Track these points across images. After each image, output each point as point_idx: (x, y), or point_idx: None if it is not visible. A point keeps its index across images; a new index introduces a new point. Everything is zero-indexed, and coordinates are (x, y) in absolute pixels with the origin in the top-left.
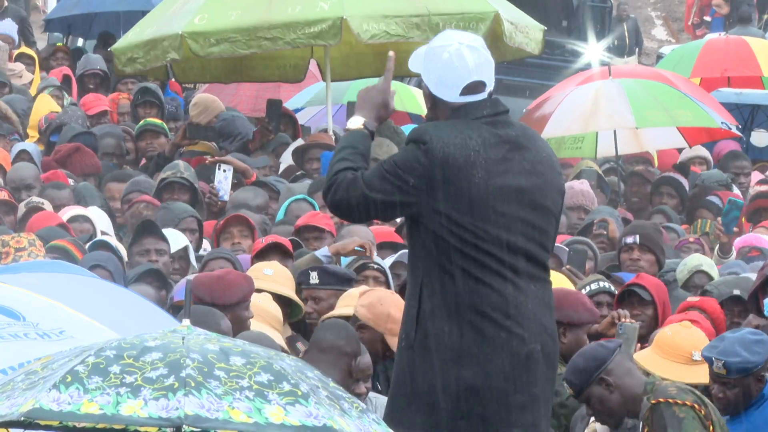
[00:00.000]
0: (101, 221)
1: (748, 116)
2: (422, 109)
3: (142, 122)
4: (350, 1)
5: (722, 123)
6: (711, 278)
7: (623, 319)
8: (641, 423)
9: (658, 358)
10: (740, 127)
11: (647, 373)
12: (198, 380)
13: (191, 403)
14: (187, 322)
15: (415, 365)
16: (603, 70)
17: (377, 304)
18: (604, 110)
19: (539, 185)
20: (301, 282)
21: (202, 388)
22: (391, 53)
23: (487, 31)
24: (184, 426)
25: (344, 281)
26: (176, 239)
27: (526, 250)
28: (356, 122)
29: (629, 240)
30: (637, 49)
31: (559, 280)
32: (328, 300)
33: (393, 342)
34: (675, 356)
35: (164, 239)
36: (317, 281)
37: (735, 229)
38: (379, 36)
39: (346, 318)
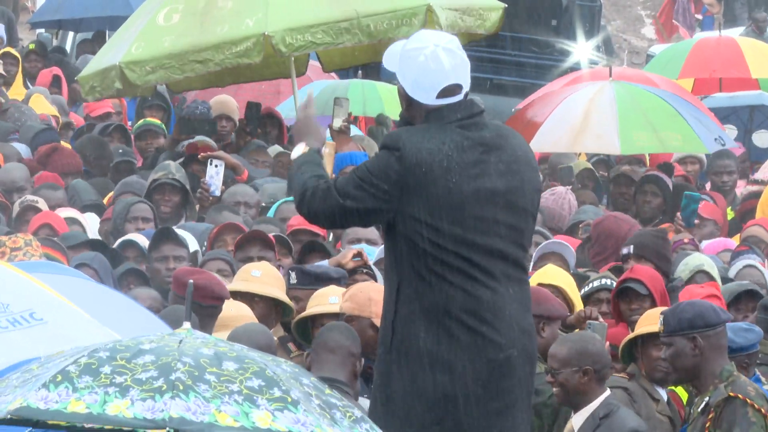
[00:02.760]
0: (92, 226)
1: (747, 118)
2: None
3: (141, 122)
4: (274, 15)
5: (716, 140)
6: (712, 278)
7: (592, 317)
8: (707, 405)
9: (635, 330)
10: (743, 129)
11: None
12: (187, 383)
13: (178, 405)
14: (187, 325)
15: (391, 371)
16: (603, 71)
17: (357, 292)
18: (593, 129)
19: (515, 185)
20: None
21: (190, 392)
22: (309, 91)
23: (422, 24)
24: (168, 428)
25: (322, 281)
26: (188, 242)
27: (504, 252)
28: (299, 149)
29: (624, 251)
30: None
31: (554, 274)
32: (306, 300)
33: None
34: (651, 321)
35: (183, 245)
36: (295, 281)
37: (696, 221)
38: (304, 47)
39: (316, 316)
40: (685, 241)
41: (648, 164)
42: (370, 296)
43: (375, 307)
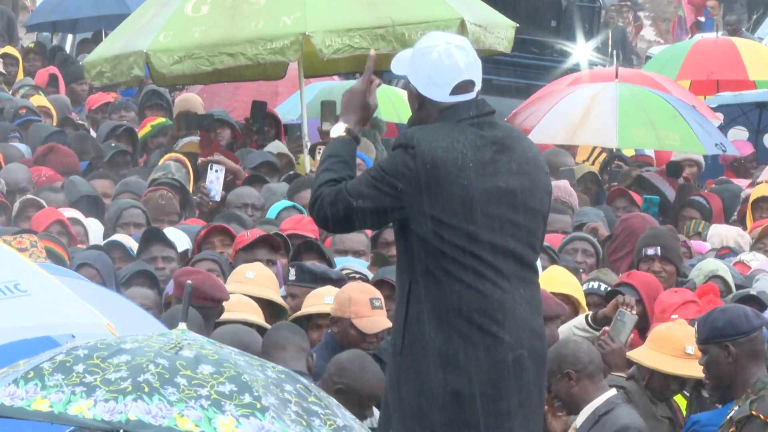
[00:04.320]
0: (95, 231)
1: (757, 119)
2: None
3: (156, 122)
4: (313, 16)
5: (717, 145)
6: (727, 283)
7: (625, 308)
8: (732, 421)
9: (651, 351)
10: (753, 130)
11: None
12: (154, 386)
13: (138, 408)
14: (182, 326)
15: (401, 371)
16: (610, 72)
17: (341, 293)
18: (592, 123)
19: (527, 186)
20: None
21: (155, 394)
22: (372, 52)
23: None
24: (122, 430)
25: (320, 280)
26: (179, 241)
27: (516, 252)
28: (339, 129)
29: (650, 252)
30: (621, 57)
31: (563, 281)
32: (302, 297)
33: (362, 324)
34: (669, 349)
35: (171, 246)
36: (294, 278)
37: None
38: (342, 50)
39: (311, 316)
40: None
41: (655, 165)
42: (350, 296)
43: (354, 307)
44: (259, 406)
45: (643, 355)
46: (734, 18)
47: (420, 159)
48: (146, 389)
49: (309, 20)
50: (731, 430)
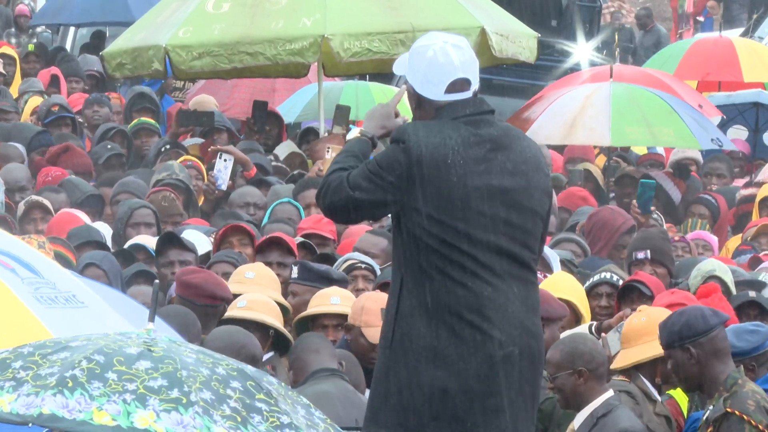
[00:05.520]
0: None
1: (755, 119)
2: None
3: (135, 121)
4: (333, 18)
5: (712, 140)
6: (725, 284)
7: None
8: (709, 421)
9: (647, 344)
10: (751, 130)
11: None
12: (80, 381)
13: (54, 402)
14: (151, 326)
15: (390, 364)
16: (605, 71)
17: (356, 301)
18: (587, 123)
19: (522, 185)
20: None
21: (78, 389)
22: (403, 87)
23: (473, 45)
24: (30, 424)
25: (322, 279)
26: (200, 244)
27: (509, 251)
28: (354, 133)
29: (640, 255)
30: (632, 59)
31: (565, 287)
32: (303, 296)
33: (369, 333)
34: (650, 336)
35: (189, 249)
36: (296, 276)
37: (651, 208)
38: (360, 54)
39: (317, 316)
40: (675, 239)
41: (666, 165)
42: (363, 305)
43: (365, 316)
44: (185, 401)
45: (640, 352)
46: (642, 13)
47: (410, 154)
48: (70, 384)
49: (329, 22)
50: (709, 430)
